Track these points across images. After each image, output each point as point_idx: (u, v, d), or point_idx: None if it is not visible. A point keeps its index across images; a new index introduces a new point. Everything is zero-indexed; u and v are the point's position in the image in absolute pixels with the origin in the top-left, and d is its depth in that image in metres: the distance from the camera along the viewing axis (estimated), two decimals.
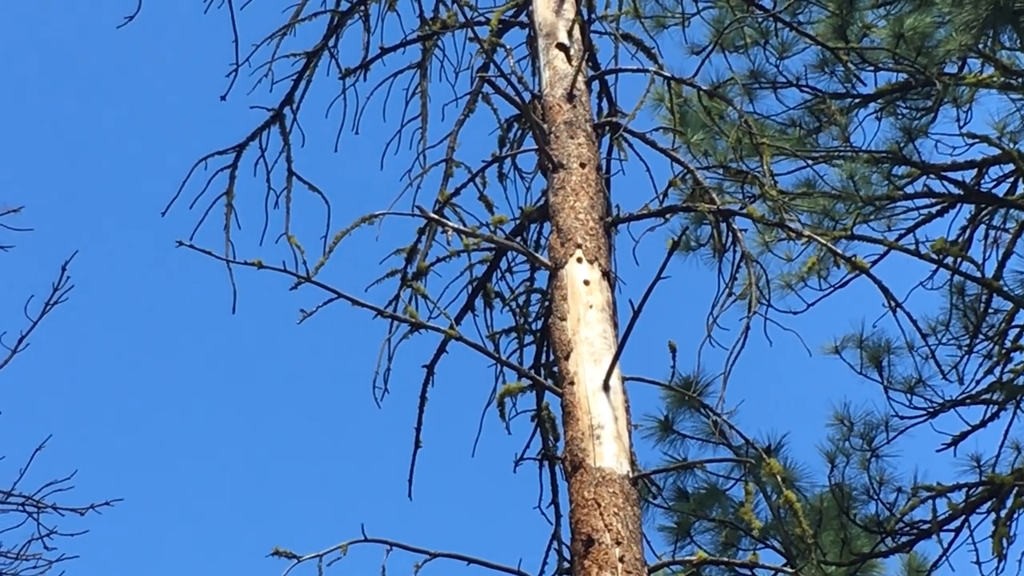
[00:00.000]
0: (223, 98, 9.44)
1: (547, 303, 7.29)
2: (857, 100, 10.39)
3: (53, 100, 19.68)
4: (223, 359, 18.69)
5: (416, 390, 7.78)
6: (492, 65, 8.03)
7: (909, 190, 10.10)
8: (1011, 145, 9.85)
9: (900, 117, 10.25)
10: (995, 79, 9.66)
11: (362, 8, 9.55)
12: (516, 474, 7.26)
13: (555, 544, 7.56)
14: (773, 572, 6.39)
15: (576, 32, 7.88)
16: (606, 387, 6.20)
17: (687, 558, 6.79)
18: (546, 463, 7.60)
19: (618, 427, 6.13)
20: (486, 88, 8.64)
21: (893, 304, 7.38)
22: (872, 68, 10.26)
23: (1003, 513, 9.05)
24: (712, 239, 7.64)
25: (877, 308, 8.04)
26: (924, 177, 10.06)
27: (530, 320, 8.11)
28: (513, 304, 8.10)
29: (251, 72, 9.41)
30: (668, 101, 8.86)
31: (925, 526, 9.44)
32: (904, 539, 9.60)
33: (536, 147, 7.29)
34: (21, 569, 9.00)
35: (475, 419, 7.72)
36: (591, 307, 6.53)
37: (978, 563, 9.08)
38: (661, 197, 7.43)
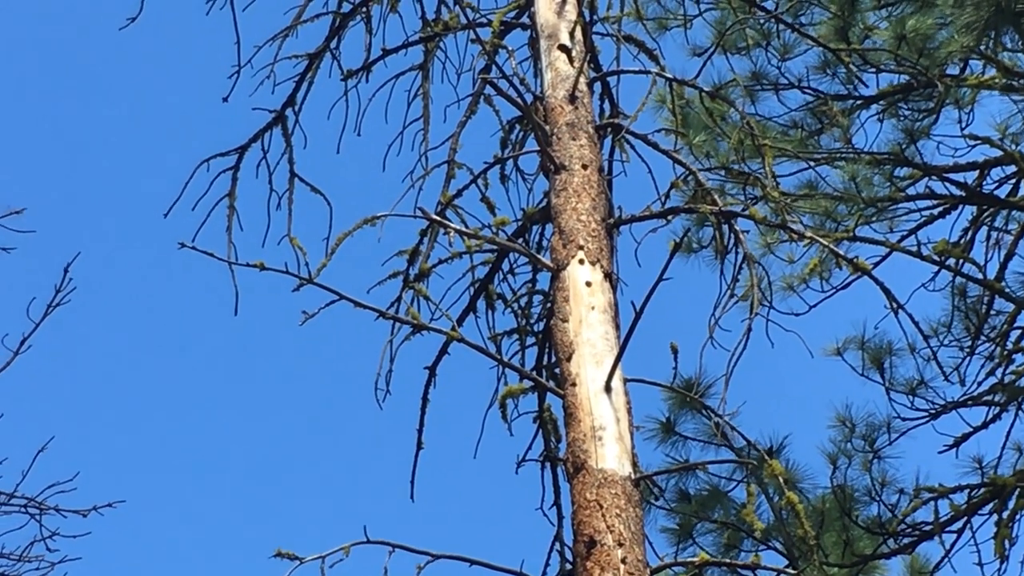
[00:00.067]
0: (225, 99, 9.46)
1: (549, 305, 7.29)
2: (859, 102, 10.40)
3: (55, 101, 19.70)
4: (225, 361, 18.70)
5: (418, 391, 7.79)
6: (494, 67, 8.02)
7: (911, 191, 10.11)
8: (1013, 147, 9.85)
9: (902, 119, 10.26)
10: (997, 80, 9.66)
11: (364, 10, 9.55)
12: (518, 475, 7.25)
13: (557, 545, 7.56)
14: (775, 573, 6.38)
15: (578, 34, 7.88)
16: (608, 388, 6.20)
17: (689, 559, 6.78)
18: (548, 464, 7.60)
19: (620, 428, 6.13)
20: (488, 90, 8.64)
21: (895, 305, 7.37)
22: (874, 70, 10.27)
23: (1005, 514, 9.05)
24: (714, 241, 7.64)
25: (879, 309, 8.05)
26: (926, 179, 10.07)
27: (532, 322, 8.11)
28: (515, 306, 8.10)
29: (253, 73, 9.43)
30: (670, 103, 8.86)
31: (927, 527, 9.44)
32: (906, 540, 9.60)
33: (538, 148, 7.29)
34: (23, 571, 9.02)
35: (477, 421, 7.74)
36: (593, 308, 6.53)
37: (980, 564, 9.08)
38: (663, 199, 7.43)
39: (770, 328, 7.31)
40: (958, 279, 9.81)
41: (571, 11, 7.98)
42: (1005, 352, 9.77)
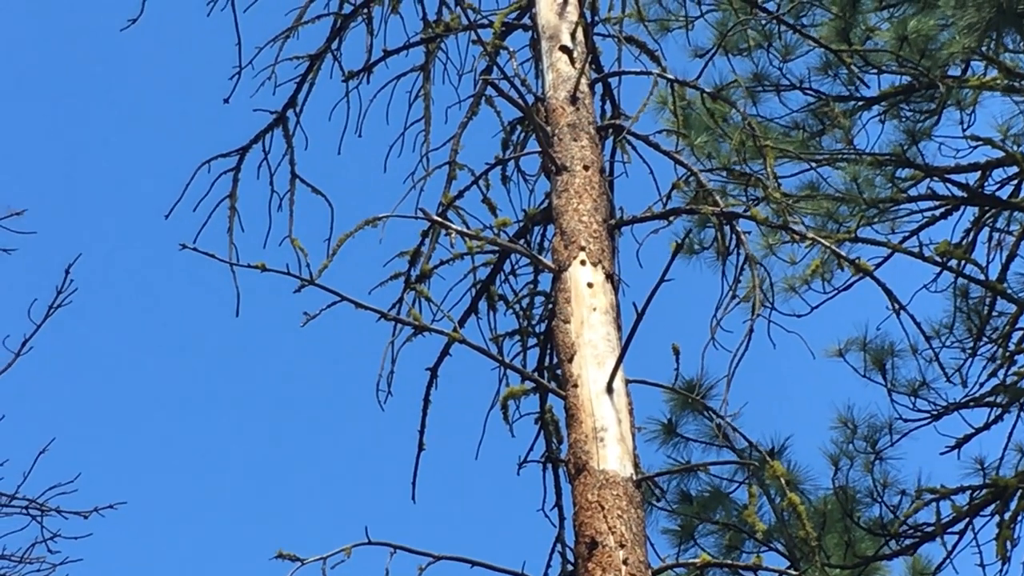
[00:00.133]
0: (226, 101, 9.45)
1: (551, 306, 7.29)
2: (861, 103, 10.40)
3: (56, 103, 19.71)
4: (226, 362, 18.70)
5: (419, 393, 7.79)
6: (495, 68, 8.03)
7: (913, 193, 10.11)
8: (1015, 147, 9.86)
9: (904, 120, 10.26)
10: (998, 81, 9.66)
11: (365, 11, 9.55)
12: (520, 477, 7.24)
13: (559, 547, 7.56)
14: (777, 575, 6.38)
15: (579, 35, 7.88)
16: (610, 390, 6.20)
17: (691, 561, 6.78)
18: (550, 466, 7.60)
19: (621, 430, 6.12)
20: (489, 91, 8.64)
21: (897, 307, 7.37)
22: (875, 71, 10.27)
23: (1007, 516, 9.04)
24: (716, 242, 7.63)
25: (881, 311, 8.05)
26: (928, 180, 10.07)
27: (534, 323, 8.11)
28: (516, 307, 8.10)
29: (254, 75, 9.42)
30: (671, 104, 8.86)
31: (929, 529, 9.44)
32: (908, 542, 9.59)
33: (539, 150, 7.28)
34: (25, 572, 9.02)
35: (479, 422, 7.74)
36: (595, 310, 6.53)
37: (982, 566, 9.08)
38: (664, 199, 7.43)
39: (772, 329, 7.31)
40: (960, 280, 9.81)
41: (572, 12, 7.98)
42: (1007, 353, 9.77)
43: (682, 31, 10.59)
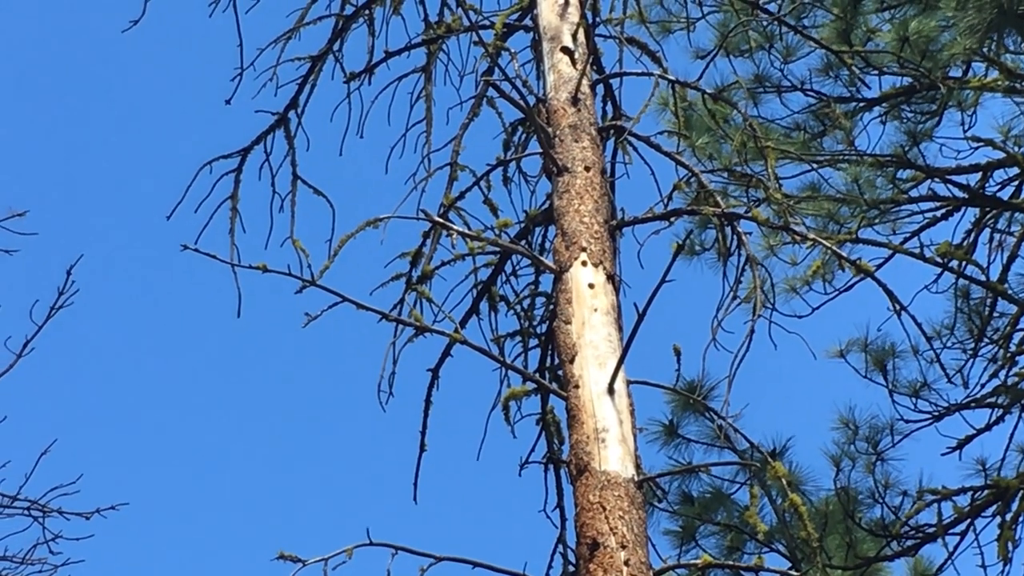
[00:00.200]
0: (228, 102, 9.46)
1: (552, 306, 7.29)
2: (862, 104, 10.40)
3: (57, 103, 19.72)
4: (228, 363, 18.71)
5: (421, 394, 7.79)
6: (496, 69, 8.03)
7: (914, 194, 10.12)
8: (1016, 148, 9.86)
9: (905, 121, 10.27)
10: (999, 83, 9.67)
11: (366, 12, 9.55)
12: (521, 477, 7.24)
13: (560, 548, 7.55)
14: None
15: (580, 36, 7.88)
16: (611, 390, 6.20)
17: (692, 562, 6.77)
18: (551, 466, 7.60)
19: (623, 430, 6.13)
20: (490, 92, 8.64)
21: (898, 307, 7.37)
22: (876, 72, 10.28)
23: (1008, 516, 9.04)
24: (717, 243, 7.64)
25: (882, 311, 8.05)
26: (929, 181, 10.07)
27: (535, 324, 8.11)
28: (518, 308, 8.10)
29: (256, 76, 9.43)
30: (673, 105, 8.86)
31: (930, 530, 9.43)
32: (909, 543, 9.59)
33: (541, 151, 7.28)
34: (26, 573, 9.01)
35: (480, 423, 7.73)
36: (596, 310, 6.53)
37: (983, 567, 9.08)
38: (666, 200, 7.43)
39: (773, 330, 7.32)
40: (961, 281, 9.82)
41: (574, 13, 7.99)
42: (1008, 354, 9.77)
43: (683, 32, 10.61)
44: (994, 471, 9.51)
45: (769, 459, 6.81)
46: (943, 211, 10.12)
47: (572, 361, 6.38)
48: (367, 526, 6.26)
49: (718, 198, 7.45)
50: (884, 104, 10.33)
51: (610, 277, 6.71)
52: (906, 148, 10.00)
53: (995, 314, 9.96)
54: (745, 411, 6.98)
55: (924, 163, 10.00)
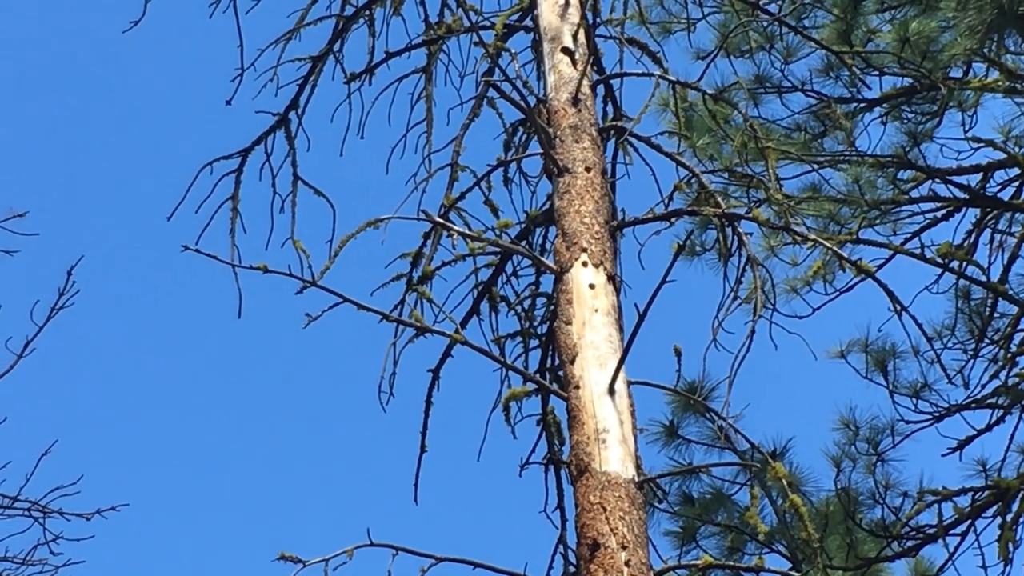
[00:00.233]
0: (228, 103, 9.46)
1: (552, 307, 7.29)
2: (862, 104, 10.40)
3: (58, 104, 19.73)
4: (229, 363, 18.71)
5: (421, 394, 7.79)
6: (497, 69, 8.03)
7: (914, 194, 10.12)
8: (1016, 149, 9.86)
9: (905, 121, 10.26)
10: (1000, 83, 9.66)
11: (367, 13, 9.55)
12: (522, 478, 7.24)
13: (561, 548, 7.55)
14: None
15: (581, 36, 7.88)
16: (611, 391, 6.20)
17: (693, 562, 6.77)
18: (552, 467, 7.60)
19: (623, 431, 6.12)
20: (491, 92, 8.64)
21: (898, 308, 7.37)
22: (877, 72, 10.27)
23: (1009, 517, 9.04)
24: (717, 243, 7.64)
25: (882, 312, 8.04)
26: (929, 181, 10.07)
27: (535, 324, 8.11)
28: (518, 308, 8.10)
29: (256, 77, 9.43)
30: (673, 105, 8.86)
31: (931, 530, 9.43)
32: (910, 543, 9.59)
33: (541, 151, 7.29)
34: (27, 574, 9.00)
35: (480, 423, 7.73)
36: (596, 311, 6.53)
37: (984, 567, 9.08)
38: (666, 201, 7.43)
39: (773, 331, 7.31)
40: (961, 282, 9.82)
41: (574, 14, 7.98)
42: (1009, 355, 9.77)
43: (684, 33, 10.60)
44: (995, 472, 9.50)
45: (770, 460, 6.80)
46: (944, 212, 10.12)
47: (573, 362, 6.38)
48: (368, 526, 6.26)
49: (719, 199, 7.45)
50: (885, 105, 10.33)
51: (611, 278, 6.71)
52: (907, 149, 10.00)
53: (996, 315, 9.96)
54: (745, 412, 6.99)
55: (925, 164, 10.00)
